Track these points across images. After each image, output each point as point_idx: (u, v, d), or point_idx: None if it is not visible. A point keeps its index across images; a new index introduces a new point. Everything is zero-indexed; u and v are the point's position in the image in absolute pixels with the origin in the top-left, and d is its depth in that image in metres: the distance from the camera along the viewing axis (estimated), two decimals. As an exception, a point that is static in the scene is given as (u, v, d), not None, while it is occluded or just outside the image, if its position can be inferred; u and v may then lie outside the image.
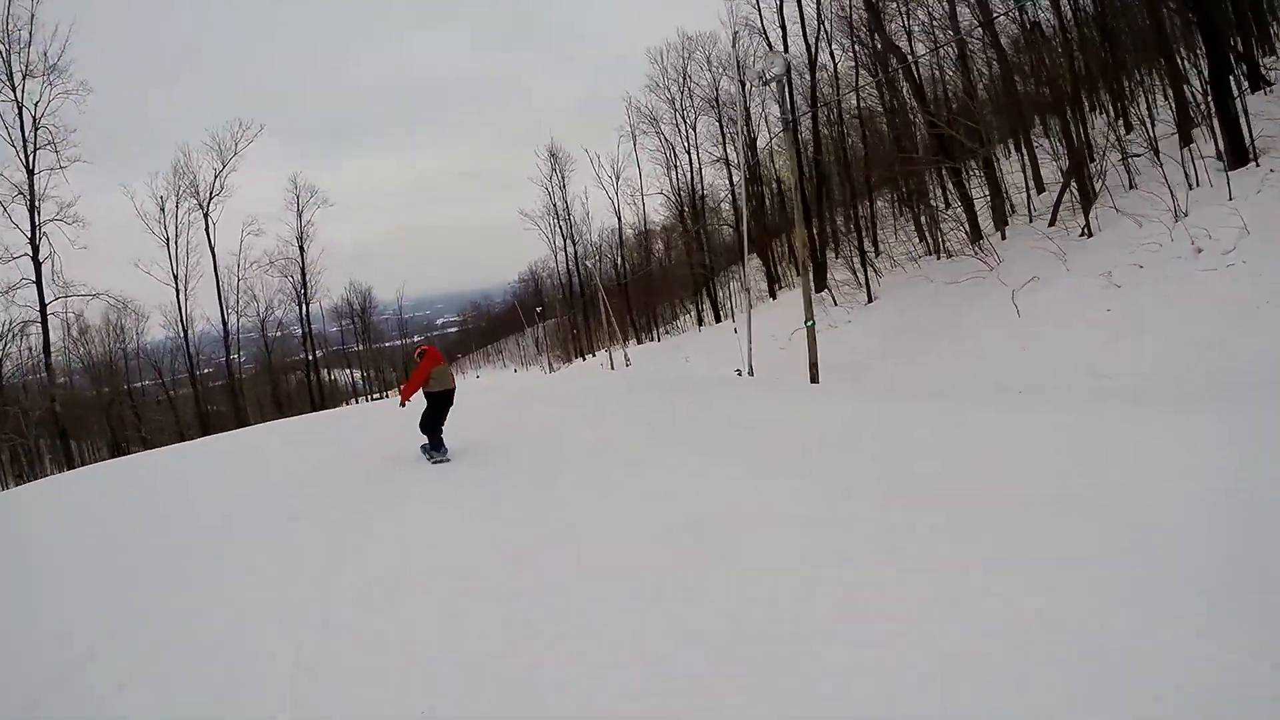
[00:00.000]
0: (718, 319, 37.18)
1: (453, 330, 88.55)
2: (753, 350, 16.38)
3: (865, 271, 20.61)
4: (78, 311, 32.47)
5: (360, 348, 50.66)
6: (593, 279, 45.82)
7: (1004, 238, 16.94)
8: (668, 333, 43.67)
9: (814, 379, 12.49)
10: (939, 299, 15.67)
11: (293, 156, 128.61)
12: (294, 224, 42.10)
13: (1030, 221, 16.70)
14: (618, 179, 45.56)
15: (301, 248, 41.89)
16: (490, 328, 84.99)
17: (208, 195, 36.77)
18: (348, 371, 51.01)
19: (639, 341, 44.35)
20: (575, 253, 51.38)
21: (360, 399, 48.55)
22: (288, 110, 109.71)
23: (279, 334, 41.28)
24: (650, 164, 47.72)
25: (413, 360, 7.65)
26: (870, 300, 19.97)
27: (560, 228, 50.64)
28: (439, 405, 7.17)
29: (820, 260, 25.67)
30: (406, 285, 58.21)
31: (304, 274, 41.69)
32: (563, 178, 49.27)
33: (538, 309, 61.92)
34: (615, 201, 46.87)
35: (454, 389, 7.32)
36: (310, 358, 41.82)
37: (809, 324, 12.83)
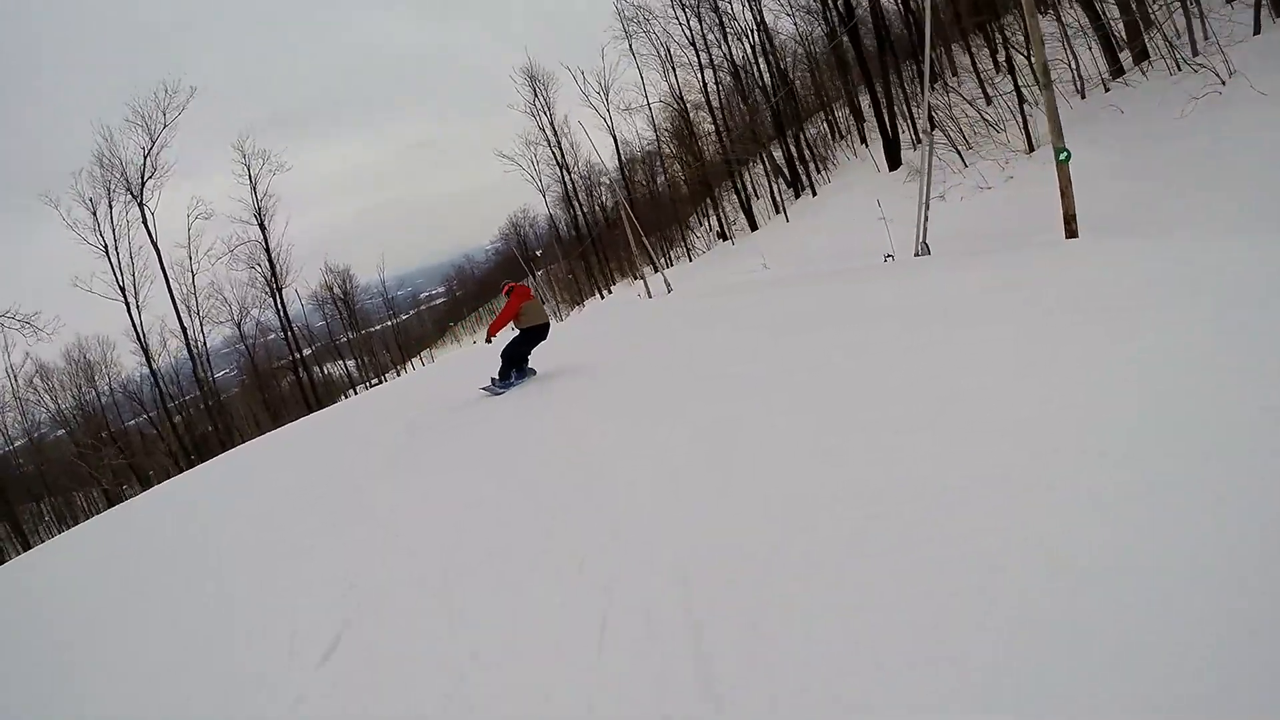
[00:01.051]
0: (753, 225, 32.83)
1: (440, 301, 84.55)
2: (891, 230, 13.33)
3: (1021, 114, 16.38)
4: (17, 363, 29.22)
5: (350, 336, 47.32)
6: (605, 200, 41.73)
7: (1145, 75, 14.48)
8: (688, 254, 38.81)
9: (1071, 233, 8.78)
10: (1163, 128, 12.26)
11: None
12: (248, 199, 35.94)
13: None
14: (607, 94, 39.56)
15: (262, 224, 36.26)
16: (479, 290, 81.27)
17: (139, 180, 31.30)
18: (341, 364, 48.00)
19: (656, 269, 39.93)
20: (571, 182, 44.99)
21: (357, 388, 45.79)
22: (232, 106, 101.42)
23: (261, 339, 37.61)
24: (648, 69, 40.82)
25: (501, 299, 7.51)
26: (1032, 149, 15.81)
27: (553, 155, 44.15)
28: (529, 339, 7.09)
29: (892, 135, 22.96)
30: (383, 271, 54.15)
31: (270, 256, 36.38)
32: (547, 102, 42.65)
33: (537, 252, 57.56)
34: (609, 120, 40.17)
35: (548, 324, 7.18)
36: (296, 354, 37.37)
37: (1063, 156, 8.71)
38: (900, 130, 23.82)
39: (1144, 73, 14.89)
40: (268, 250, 36.57)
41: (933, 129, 15.44)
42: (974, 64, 22.09)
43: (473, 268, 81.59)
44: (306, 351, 40.45)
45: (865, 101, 28.14)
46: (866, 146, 28.23)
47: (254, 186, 36.33)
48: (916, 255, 11.10)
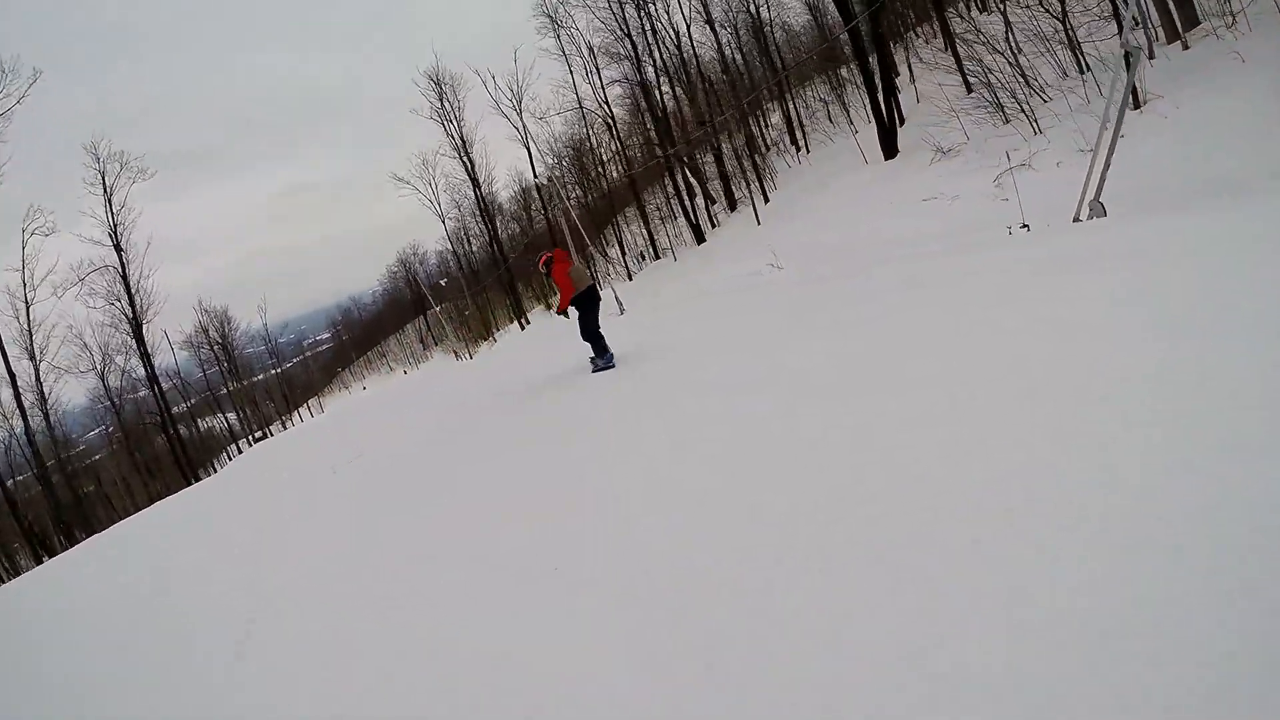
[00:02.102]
0: (699, 236, 29.30)
1: (324, 347, 79.08)
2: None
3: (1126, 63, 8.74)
4: None
5: (230, 386, 43.01)
6: (552, 199, 36.17)
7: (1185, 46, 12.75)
8: (629, 262, 34.69)
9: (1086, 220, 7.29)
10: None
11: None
12: (103, 214, 29.75)
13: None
14: (520, 103, 36.15)
15: (118, 244, 30.23)
16: (365, 334, 77.04)
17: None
18: (221, 418, 43.41)
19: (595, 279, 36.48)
20: (481, 197, 40.09)
21: (240, 443, 41.45)
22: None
23: (132, 393, 32.33)
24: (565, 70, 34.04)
25: (540, 273, 7.26)
26: (1139, 105, 12.13)
27: (464, 164, 39.29)
28: (587, 306, 6.91)
29: (889, 120, 20.02)
30: (264, 312, 49.64)
31: (128, 284, 30.32)
32: (454, 109, 38.42)
33: (442, 281, 53.73)
34: (523, 131, 36.13)
35: (595, 284, 7.11)
36: (163, 409, 31.65)
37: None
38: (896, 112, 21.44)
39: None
40: (125, 277, 30.61)
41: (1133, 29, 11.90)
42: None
43: (359, 310, 77.50)
44: (183, 406, 36.26)
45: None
46: (856, 133, 24.98)
47: (109, 196, 30.44)
48: (1080, 219, 7.64)
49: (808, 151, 28.34)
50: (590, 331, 6.91)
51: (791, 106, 30.34)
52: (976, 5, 22.78)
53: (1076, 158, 11.95)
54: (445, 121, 38.86)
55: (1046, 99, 14.99)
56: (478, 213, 41.66)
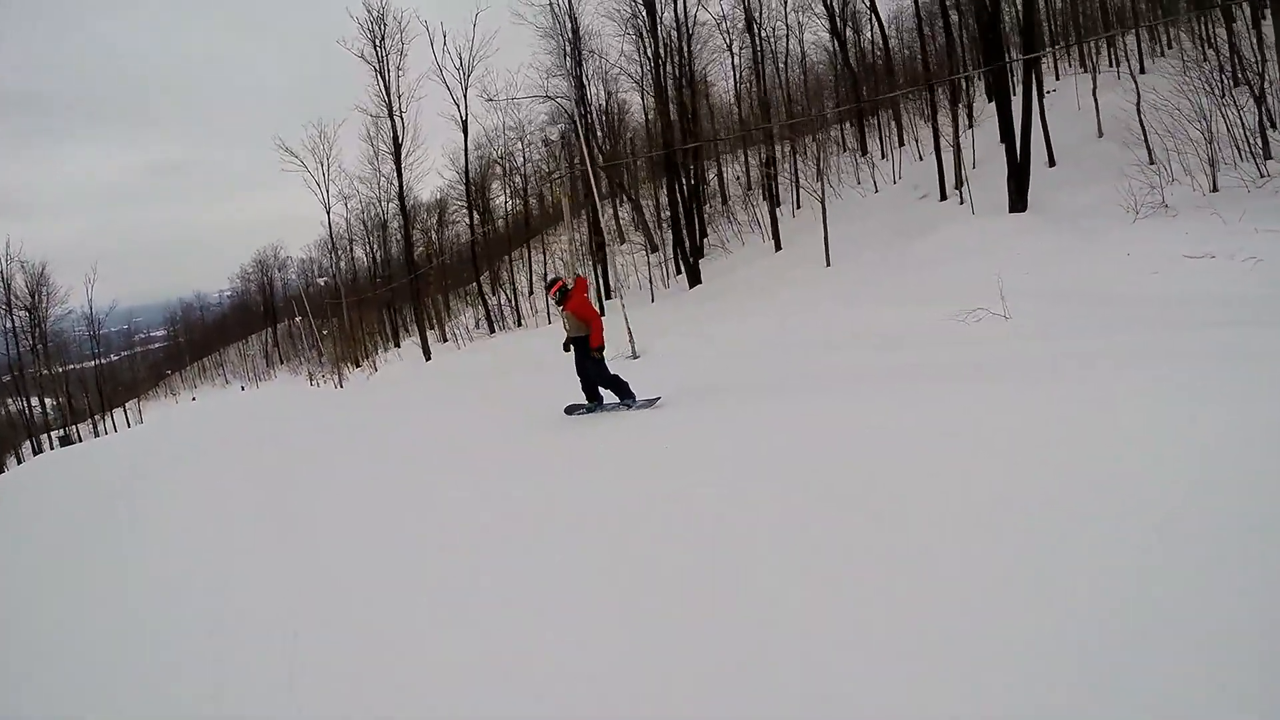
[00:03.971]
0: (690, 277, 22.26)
1: (157, 345, 68.93)
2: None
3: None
4: None
5: (41, 371, 36.50)
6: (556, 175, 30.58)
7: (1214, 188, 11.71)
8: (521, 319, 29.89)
9: None
10: None
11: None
12: None
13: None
14: (468, 73, 29.40)
15: None
16: (205, 339, 68.79)
17: None
18: (22, 400, 36.44)
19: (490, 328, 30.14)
20: (400, 174, 31.37)
21: (46, 435, 35.07)
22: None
23: None
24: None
25: (553, 298, 6.56)
26: None
27: (394, 123, 30.54)
28: (585, 349, 6.35)
29: (1020, 157, 14.15)
30: (102, 296, 42.21)
31: None
32: (387, 57, 30.18)
33: (309, 289, 47.51)
34: (463, 107, 29.49)
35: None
36: None
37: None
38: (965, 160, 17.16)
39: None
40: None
41: None
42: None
43: (204, 310, 69.43)
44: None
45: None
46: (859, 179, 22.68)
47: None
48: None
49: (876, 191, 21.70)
50: (606, 376, 6.38)
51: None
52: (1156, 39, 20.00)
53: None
54: (379, 67, 30.30)
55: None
56: (393, 198, 33.30)
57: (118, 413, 43.18)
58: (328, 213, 36.73)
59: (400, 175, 31.60)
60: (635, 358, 12.42)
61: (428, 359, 29.51)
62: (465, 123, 29.59)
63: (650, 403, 6.26)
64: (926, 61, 24.24)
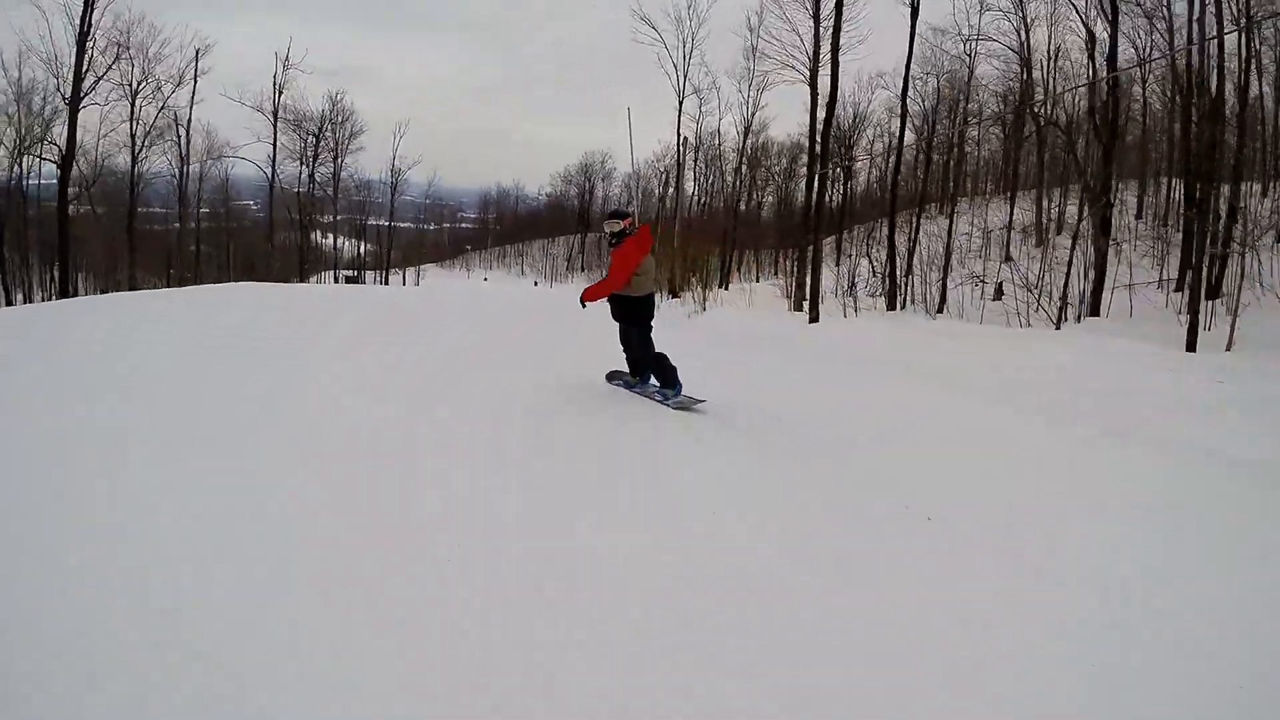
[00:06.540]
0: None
1: (468, 225, 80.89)
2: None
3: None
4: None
5: (384, 220, 43.40)
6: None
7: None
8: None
9: None
10: None
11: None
12: None
13: None
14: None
15: None
16: (514, 229, 77.79)
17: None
18: (342, 240, 44.67)
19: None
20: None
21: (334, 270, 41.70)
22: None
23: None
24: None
25: (604, 234, 5.46)
26: None
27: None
28: (643, 320, 5.21)
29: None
30: (440, 176, 49.47)
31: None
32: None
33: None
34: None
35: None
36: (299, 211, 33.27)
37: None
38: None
39: None
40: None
41: None
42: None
43: (519, 199, 78.19)
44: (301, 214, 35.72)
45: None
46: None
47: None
48: None
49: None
50: (649, 355, 5.28)
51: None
52: None
53: None
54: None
55: None
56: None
57: (409, 272, 49.28)
58: (680, 103, 28.63)
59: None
60: None
61: (813, 319, 17.30)
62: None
63: (692, 401, 5.10)
64: None
